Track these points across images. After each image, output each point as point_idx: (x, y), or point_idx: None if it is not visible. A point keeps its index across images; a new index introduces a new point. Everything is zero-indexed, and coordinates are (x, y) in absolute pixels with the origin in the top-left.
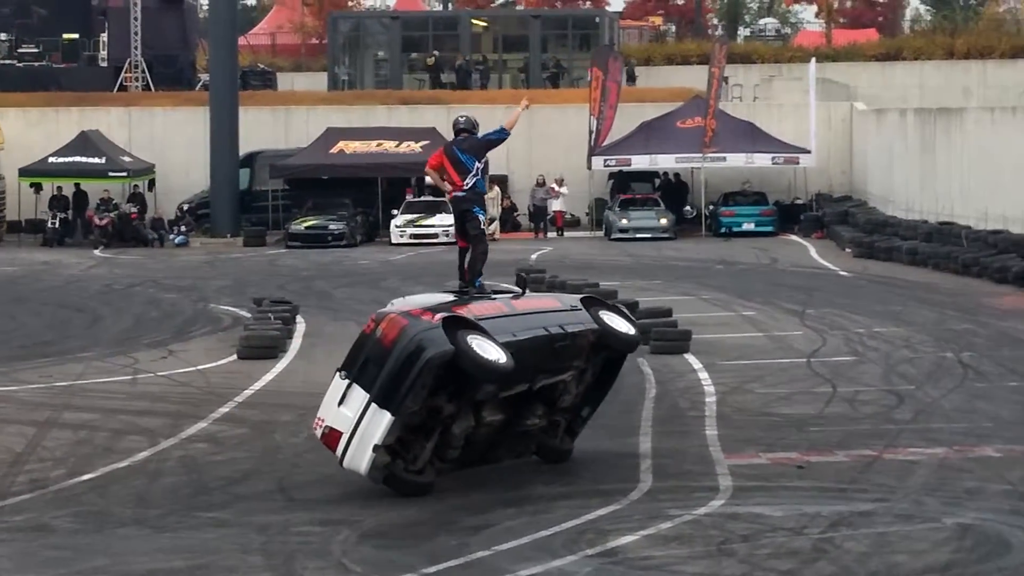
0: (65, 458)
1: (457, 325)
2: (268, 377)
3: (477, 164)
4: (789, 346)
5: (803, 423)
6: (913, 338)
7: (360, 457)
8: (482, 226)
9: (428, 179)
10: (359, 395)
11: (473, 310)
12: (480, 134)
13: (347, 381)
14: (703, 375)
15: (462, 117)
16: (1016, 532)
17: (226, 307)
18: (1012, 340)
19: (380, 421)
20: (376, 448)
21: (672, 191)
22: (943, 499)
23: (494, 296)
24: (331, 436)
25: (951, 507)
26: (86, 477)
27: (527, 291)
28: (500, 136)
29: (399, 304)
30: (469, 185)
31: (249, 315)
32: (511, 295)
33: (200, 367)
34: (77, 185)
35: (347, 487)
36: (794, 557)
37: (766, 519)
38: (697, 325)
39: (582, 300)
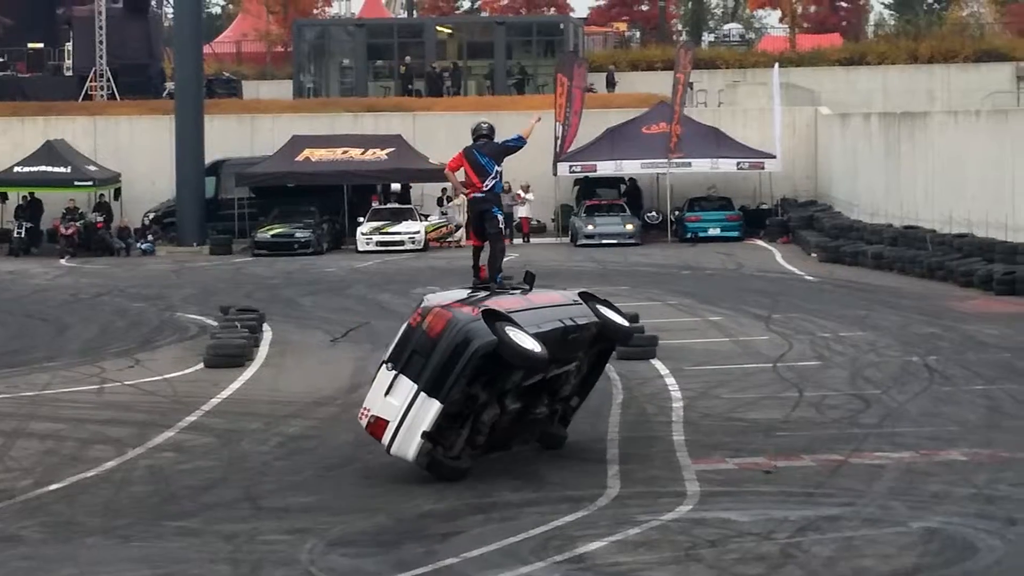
0: (32, 468)
1: (495, 317)
2: (235, 385)
3: (496, 168)
4: (755, 351)
5: (770, 428)
6: (879, 342)
7: (408, 444)
8: (500, 225)
9: (452, 179)
10: (406, 385)
11: (502, 304)
12: (498, 140)
13: (393, 372)
14: (670, 380)
15: (484, 123)
16: (982, 536)
17: (192, 316)
18: (977, 344)
19: (429, 409)
20: (425, 435)
21: (628, 196)
22: (910, 503)
23: (512, 291)
24: (377, 425)
25: (918, 511)
26: (53, 487)
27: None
28: (518, 143)
29: (434, 299)
30: (488, 187)
31: (216, 324)
32: (520, 291)
33: (167, 376)
34: (31, 194)
35: (314, 495)
36: (762, 562)
37: (733, 524)
38: (663, 331)
39: (579, 295)
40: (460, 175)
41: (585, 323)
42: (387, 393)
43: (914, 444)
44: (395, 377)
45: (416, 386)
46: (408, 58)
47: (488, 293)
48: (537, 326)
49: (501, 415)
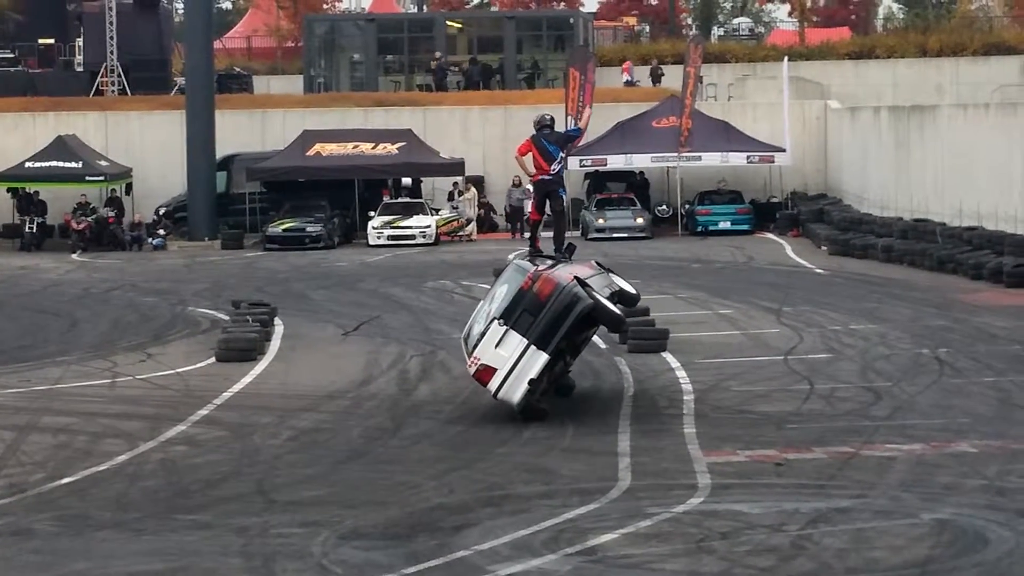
0: (44, 462)
1: (583, 284)
2: (247, 379)
3: (561, 153)
4: (766, 344)
5: (781, 420)
6: (889, 335)
7: (515, 389)
8: (564, 204)
9: (521, 163)
10: (515, 339)
11: (576, 272)
12: (560, 130)
13: (504, 328)
14: (681, 373)
15: (548, 115)
16: (993, 527)
17: (204, 310)
18: (987, 336)
19: (537, 360)
20: (531, 382)
21: (636, 190)
22: (920, 495)
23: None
24: (485, 372)
25: (929, 503)
26: (65, 481)
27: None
28: (577, 133)
29: (519, 263)
30: (556, 170)
31: (227, 318)
32: (564, 263)
33: (178, 370)
34: (35, 192)
35: (326, 489)
36: (773, 554)
37: (745, 516)
38: (674, 324)
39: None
40: (528, 160)
41: (615, 290)
42: (497, 345)
43: (925, 436)
44: (505, 332)
45: (526, 340)
46: (439, 53)
47: (556, 262)
48: (600, 291)
49: (564, 366)
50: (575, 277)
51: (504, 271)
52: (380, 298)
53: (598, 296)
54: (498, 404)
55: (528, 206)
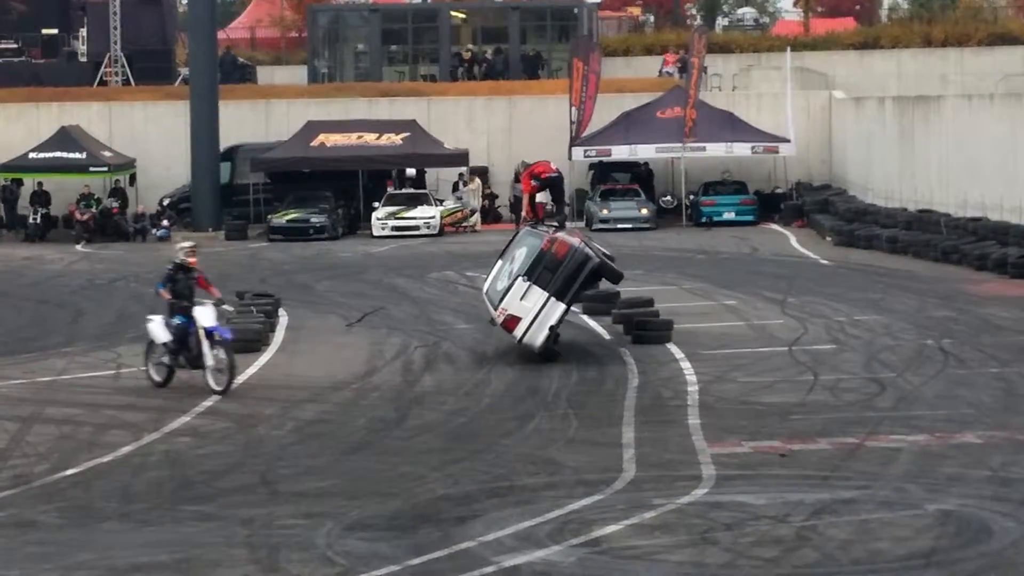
0: (49, 453)
1: (588, 246)
2: (251, 370)
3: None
4: (770, 335)
5: (785, 411)
6: (894, 326)
7: (537, 334)
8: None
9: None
10: (537, 292)
11: (578, 236)
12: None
13: (528, 283)
14: (685, 364)
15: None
16: (997, 518)
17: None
18: (992, 327)
19: (556, 309)
20: (551, 328)
21: (640, 181)
22: (925, 486)
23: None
24: (511, 321)
25: (933, 494)
26: (70, 472)
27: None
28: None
29: (532, 231)
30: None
31: (231, 309)
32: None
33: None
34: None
35: (331, 480)
36: (777, 545)
37: (749, 507)
38: (679, 315)
39: None
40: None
41: (605, 252)
42: (522, 298)
43: (929, 427)
44: (528, 287)
45: (547, 293)
46: (471, 44)
47: (559, 228)
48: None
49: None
50: (583, 240)
51: (516, 238)
52: (384, 289)
53: (603, 257)
54: (501, 395)
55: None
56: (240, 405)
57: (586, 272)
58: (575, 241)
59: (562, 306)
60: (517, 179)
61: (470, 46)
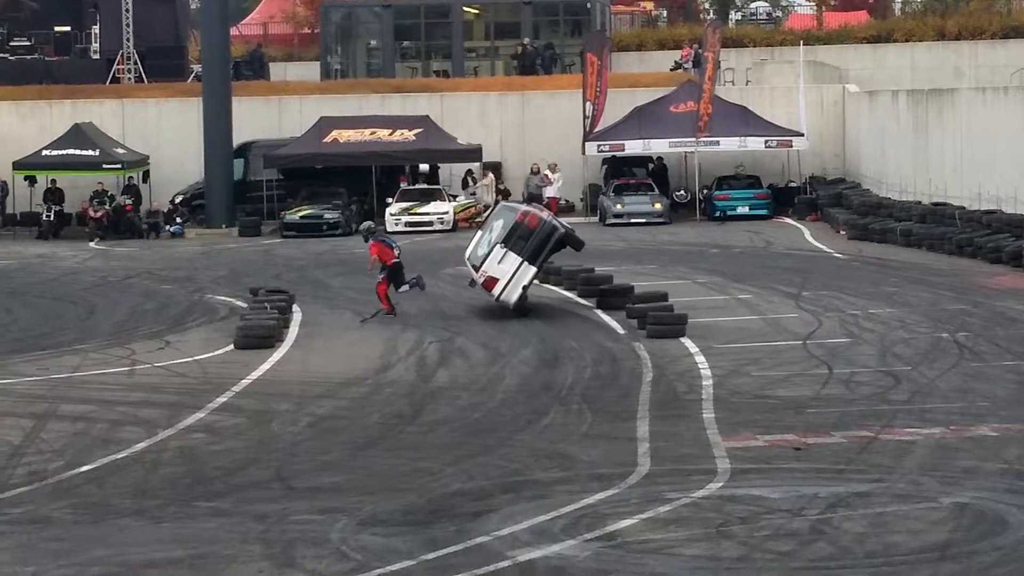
0: (63, 450)
1: (554, 220)
2: (265, 366)
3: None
4: (785, 329)
5: (800, 405)
6: (908, 319)
7: (512, 293)
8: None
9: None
10: (512, 258)
11: (547, 211)
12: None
13: (504, 249)
14: (699, 359)
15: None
16: (1013, 511)
17: (222, 297)
18: (1007, 320)
19: (528, 272)
20: (524, 287)
21: (655, 176)
22: (940, 479)
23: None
24: (490, 281)
25: (948, 486)
26: (84, 469)
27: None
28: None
29: (509, 205)
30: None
31: (245, 305)
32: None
33: (197, 357)
34: (53, 181)
35: (345, 475)
36: (792, 538)
37: (764, 501)
38: (693, 309)
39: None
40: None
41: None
42: (500, 262)
43: (944, 420)
44: (505, 252)
45: (521, 258)
46: (527, 39)
47: (530, 203)
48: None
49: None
50: (551, 214)
51: (494, 211)
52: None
53: (567, 227)
54: (515, 390)
55: (546, 193)
56: (254, 401)
57: (554, 240)
58: (545, 214)
59: (533, 269)
60: (533, 172)
61: (525, 40)
